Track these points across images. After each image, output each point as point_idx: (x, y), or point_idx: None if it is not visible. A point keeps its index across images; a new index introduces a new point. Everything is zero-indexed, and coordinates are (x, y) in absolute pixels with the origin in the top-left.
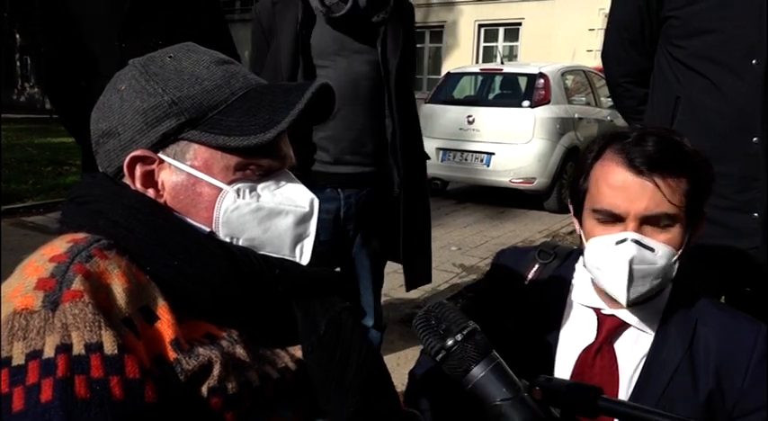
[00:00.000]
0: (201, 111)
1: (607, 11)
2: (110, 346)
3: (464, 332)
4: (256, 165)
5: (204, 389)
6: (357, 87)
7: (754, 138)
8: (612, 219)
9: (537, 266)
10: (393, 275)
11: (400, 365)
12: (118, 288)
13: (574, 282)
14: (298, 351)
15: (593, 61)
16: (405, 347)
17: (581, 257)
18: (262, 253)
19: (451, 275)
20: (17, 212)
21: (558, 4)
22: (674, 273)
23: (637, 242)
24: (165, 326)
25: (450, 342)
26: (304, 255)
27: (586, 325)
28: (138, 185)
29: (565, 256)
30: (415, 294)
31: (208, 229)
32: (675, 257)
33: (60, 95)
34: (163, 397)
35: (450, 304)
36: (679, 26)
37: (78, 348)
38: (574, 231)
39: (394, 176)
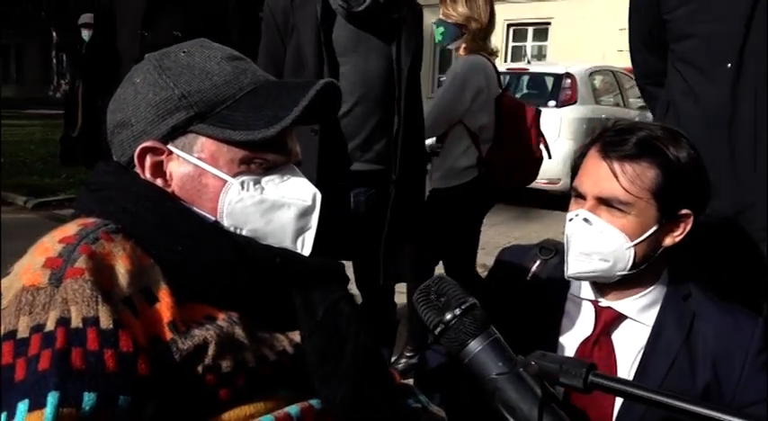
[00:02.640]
0: (210, 105)
1: None
2: (105, 321)
3: (463, 306)
4: (262, 159)
5: (200, 368)
6: (371, 85)
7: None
8: (579, 196)
9: (538, 262)
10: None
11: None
12: (121, 269)
13: None
14: (297, 336)
15: (624, 61)
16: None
17: None
18: (264, 243)
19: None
20: (50, 205)
21: (588, 4)
22: (628, 262)
23: (586, 220)
24: (165, 307)
25: (448, 316)
26: (305, 246)
27: (585, 317)
28: (148, 175)
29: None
30: None
31: (213, 219)
32: (630, 245)
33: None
34: (157, 373)
35: (450, 279)
36: (671, 29)
37: (76, 322)
38: None
39: (391, 174)
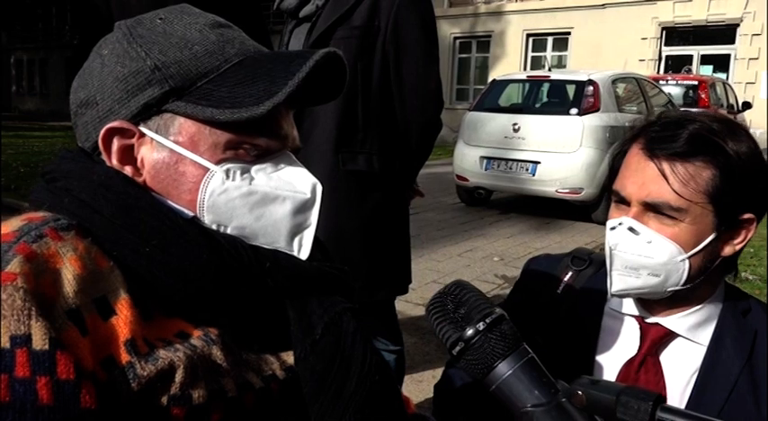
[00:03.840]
0: (189, 79)
1: (661, 19)
2: (40, 340)
3: (487, 319)
4: (251, 144)
5: (164, 399)
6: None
7: None
8: (622, 202)
9: (571, 273)
10: (432, 285)
11: (435, 378)
12: (68, 274)
13: None
14: (290, 357)
15: (646, 70)
16: (442, 361)
17: None
18: (253, 243)
19: (493, 286)
20: None
21: (609, 13)
22: (682, 276)
23: (631, 229)
24: (122, 322)
25: (470, 331)
26: (303, 248)
27: (627, 335)
28: (115, 161)
29: (601, 262)
30: None
31: (191, 214)
32: (683, 257)
33: None
34: (108, 405)
35: (471, 285)
36: None
37: (2, 341)
38: None
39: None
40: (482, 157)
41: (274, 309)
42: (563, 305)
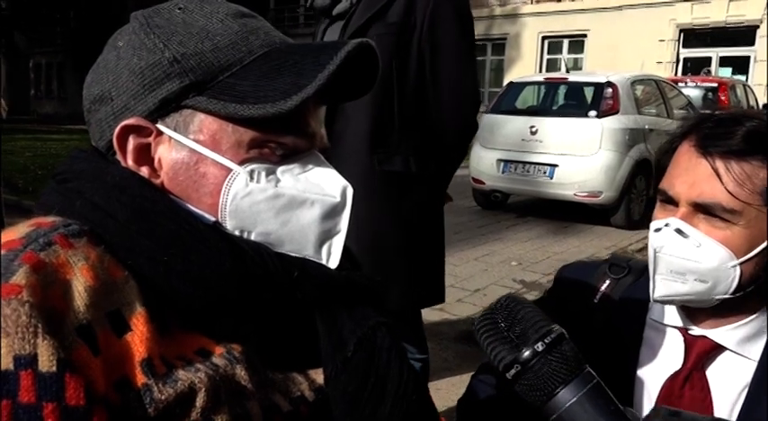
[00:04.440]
0: (210, 72)
1: (679, 21)
2: (47, 361)
3: (547, 339)
4: (276, 143)
5: None
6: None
7: None
8: (669, 201)
9: (608, 281)
10: (450, 290)
11: (455, 385)
12: (79, 285)
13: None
14: (320, 376)
15: (663, 73)
16: (461, 368)
17: None
18: (279, 251)
19: (511, 291)
20: None
21: (626, 15)
22: (732, 284)
23: (679, 231)
24: (138, 339)
25: (527, 353)
26: (332, 255)
27: (671, 348)
28: (130, 161)
29: (641, 270)
30: (471, 309)
31: (212, 219)
32: (735, 263)
33: None
34: None
35: (525, 300)
36: None
37: (5, 362)
38: (644, 248)
39: None
40: (499, 160)
41: (302, 323)
42: (600, 315)
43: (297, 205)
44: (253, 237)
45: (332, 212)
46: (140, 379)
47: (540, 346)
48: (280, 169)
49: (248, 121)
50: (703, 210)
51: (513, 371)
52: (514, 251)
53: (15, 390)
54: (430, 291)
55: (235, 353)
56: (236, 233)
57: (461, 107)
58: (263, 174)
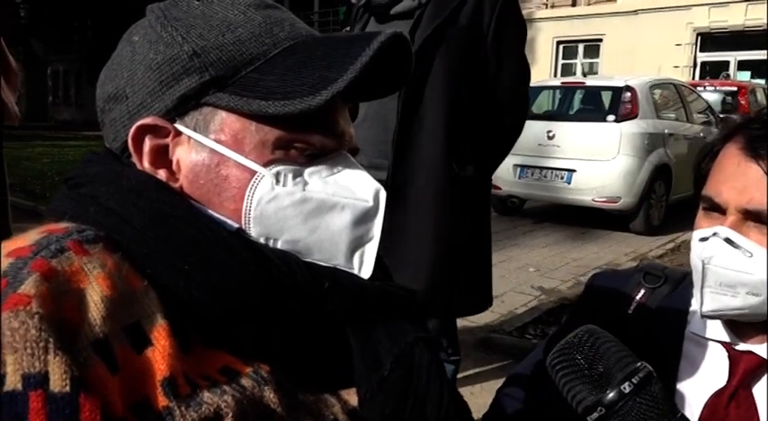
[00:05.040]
0: (232, 66)
1: (696, 25)
2: (59, 381)
3: (634, 379)
4: (304, 143)
5: None
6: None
7: None
8: (715, 209)
9: (643, 291)
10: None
11: (475, 395)
12: (95, 295)
13: (692, 310)
14: (354, 397)
15: (680, 77)
16: (480, 376)
17: None
18: (307, 260)
19: (529, 298)
20: None
21: (642, 19)
22: None
23: (728, 240)
24: (160, 356)
25: (612, 394)
26: (365, 264)
27: (714, 363)
28: (146, 164)
29: (678, 280)
30: (489, 317)
31: (236, 225)
32: None
33: None
34: None
35: (604, 332)
36: None
37: (12, 381)
38: (664, 255)
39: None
40: (515, 165)
41: (333, 339)
42: (636, 326)
43: (326, 210)
44: (279, 246)
45: (364, 218)
46: (161, 400)
47: (626, 387)
48: (307, 171)
49: (273, 119)
50: (754, 217)
51: (595, 415)
52: (532, 257)
53: (24, 413)
54: (486, 294)
55: (263, 372)
56: (261, 241)
57: (516, 119)
58: (290, 176)
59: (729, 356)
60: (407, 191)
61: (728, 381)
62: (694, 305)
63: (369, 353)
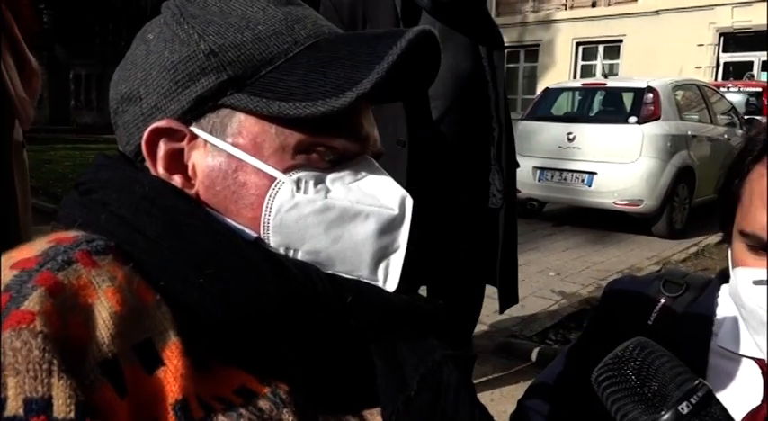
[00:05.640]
0: (251, 65)
1: (719, 25)
2: (62, 405)
3: (692, 399)
4: (326, 147)
5: None
6: (463, 85)
7: None
8: (759, 246)
9: (663, 300)
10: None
11: (494, 401)
12: (104, 311)
13: (717, 320)
14: (377, 418)
15: (703, 78)
16: (500, 382)
17: (724, 287)
18: (329, 272)
19: (550, 302)
20: None
21: (664, 20)
22: None
23: None
24: (172, 377)
25: (667, 416)
26: (390, 277)
27: (746, 380)
28: (161, 169)
29: (700, 287)
30: (509, 321)
31: (254, 235)
32: None
33: None
34: None
35: (657, 346)
36: None
37: (13, 406)
38: (687, 259)
39: (494, 186)
40: (535, 168)
41: (356, 356)
42: (657, 338)
43: (349, 219)
44: (299, 257)
45: (389, 227)
46: None
47: (684, 408)
48: (329, 177)
49: (294, 122)
50: None
51: None
52: (552, 261)
53: None
54: (514, 291)
55: (281, 393)
56: (281, 251)
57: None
58: (311, 183)
59: (763, 373)
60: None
61: (764, 400)
62: (719, 315)
63: (394, 372)
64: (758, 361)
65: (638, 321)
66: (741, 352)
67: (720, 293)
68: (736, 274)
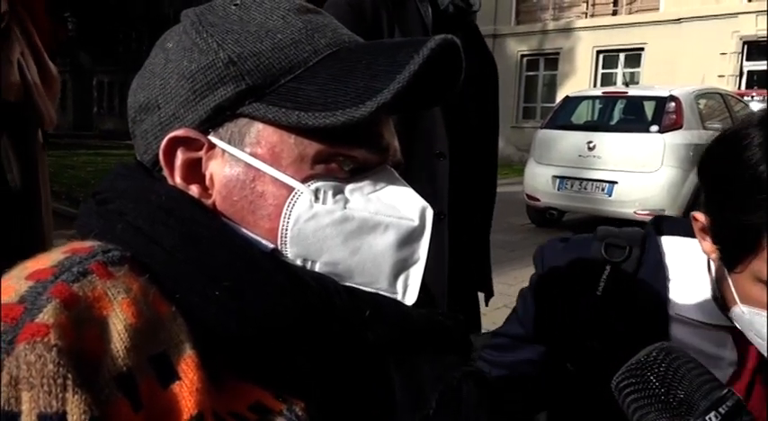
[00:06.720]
0: (270, 75)
1: (742, 33)
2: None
3: (721, 409)
4: (345, 157)
5: None
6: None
7: None
8: None
9: (608, 268)
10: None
11: None
12: (119, 324)
13: (670, 286)
14: None
15: (726, 86)
16: None
17: (665, 241)
18: (347, 284)
19: None
20: None
21: (686, 28)
22: None
23: None
24: (187, 392)
25: None
26: (409, 289)
27: (716, 346)
28: (178, 179)
29: (640, 245)
30: None
31: (271, 246)
32: None
33: None
34: None
35: (683, 351)
36: None
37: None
38: None
39: None
40: (554, 177)
41: (374, 371)
42: (608, 309)
43: (368, 230)
44: (317, 268)
45: (409, 238)
46: None
47: (713, 418)
48: (348, 187)
49: (313, 132)
50: None
51: None
52: None
53: None
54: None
55: (297, 410)
56: (298, 262)
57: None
58: (330, 193)
59: (734, 337)
60: None
61: (741, 365)
62: (671, 280)
63: (412, 389)
64: (725, 328)
65: (585, 291)
66: (703, 320)
67: (664, 250)
68: (755, 316)
